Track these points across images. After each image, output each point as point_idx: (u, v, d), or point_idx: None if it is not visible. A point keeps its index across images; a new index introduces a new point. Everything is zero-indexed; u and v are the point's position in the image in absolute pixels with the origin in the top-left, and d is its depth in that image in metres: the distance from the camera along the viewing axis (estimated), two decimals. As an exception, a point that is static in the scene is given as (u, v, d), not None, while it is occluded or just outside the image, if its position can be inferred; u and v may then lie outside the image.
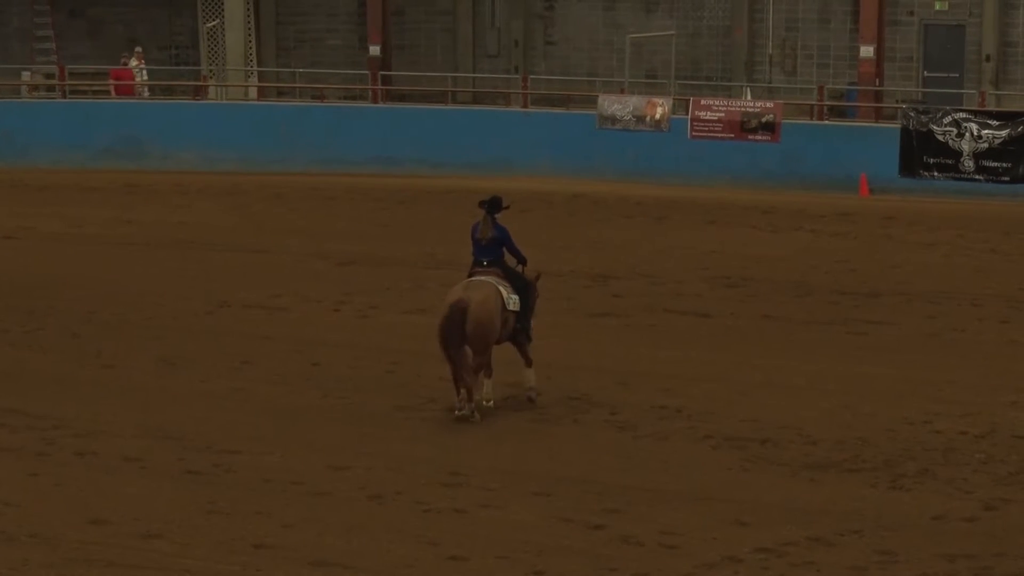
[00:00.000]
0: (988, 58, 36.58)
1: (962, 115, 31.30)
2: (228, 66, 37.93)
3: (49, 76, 39.11)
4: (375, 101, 36.47)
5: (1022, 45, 36.66)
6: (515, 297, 16.15)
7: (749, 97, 34.94)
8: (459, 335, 15.54)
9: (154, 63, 39.49)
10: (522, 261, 16.56)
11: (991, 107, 33.19)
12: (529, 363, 16.47)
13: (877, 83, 35.65)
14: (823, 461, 14.30)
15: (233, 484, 13.67)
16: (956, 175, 31.10)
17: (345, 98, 37.78)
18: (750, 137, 32.60)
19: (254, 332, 19.60)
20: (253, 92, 38.19)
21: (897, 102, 34.68)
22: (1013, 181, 30.78)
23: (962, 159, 31.03)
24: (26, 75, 39.46)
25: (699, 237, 26.81)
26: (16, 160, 34.32)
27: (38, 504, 13.12)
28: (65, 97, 36.58)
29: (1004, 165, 30.85)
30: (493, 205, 16.51)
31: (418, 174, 33.42)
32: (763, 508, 12.99)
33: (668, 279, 22.94)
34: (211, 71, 38.09)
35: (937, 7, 37.35)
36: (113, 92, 36.24)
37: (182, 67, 40.22)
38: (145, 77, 36.74)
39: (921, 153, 31.32)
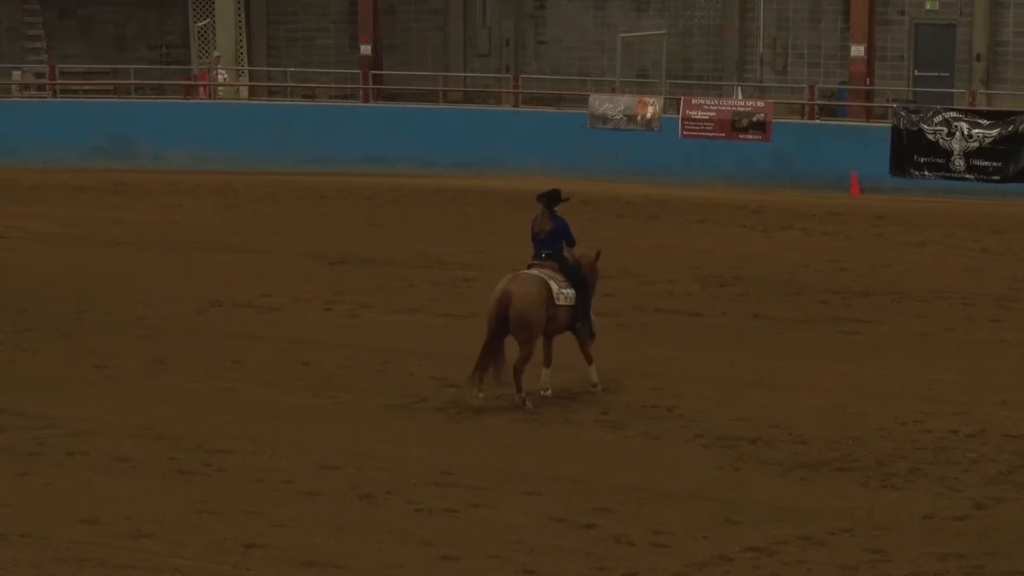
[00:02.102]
0: (978, 57, 36.63)
1: (952, 114, 31.36)
2: (219, 65, 37.91)
3: (39, 75, 39.07)
4: (366, 100, 36.46)
5: (1012, 45, 36.72)
6: (569, 292, 16.27)
7: (740, 96, 34.98)
8: (501, 326, 15.78)
9: (144, 62, 39.46)
10: (572, 245, 16.64)
11: (981, 106, 33.25)
12: (589, 360, 16.64)
13: (868, 82, 35.70)
14: (814, 460, 14.30)
15: (224, 484, 13.66)
16: (946, 174, 31.16)
17: (336, 97, 37.79)
18: (741, 136, 32.64)
19: (245, 332, 19.58)
20: (244, 91, 38.19)
21: (888, 101, 34.73)
22: (1003, 180, 30.84)
23: (952, 158, 31.08)
24: (16, 74, 39.43)
25: (690, 236, 26.83)
26: (6, 159, 34.30)
27: (29, 504, 13.10)
28: (56, 96, 36.55)
29: (994, 164, 30.90)
30: (552, 198, 16.63)
31: (409, 173, 33.42)
32: (754, 507, 12.99)
33: (659, 278, 22.95)
34: (202, 70, 38.07)
35: (928, 7, 37.40)
36: (202, 93, 36.15)
37: (173, 66, 40.19)
38: (220, 79, 36.62)
39: (912, 152, 31.37)
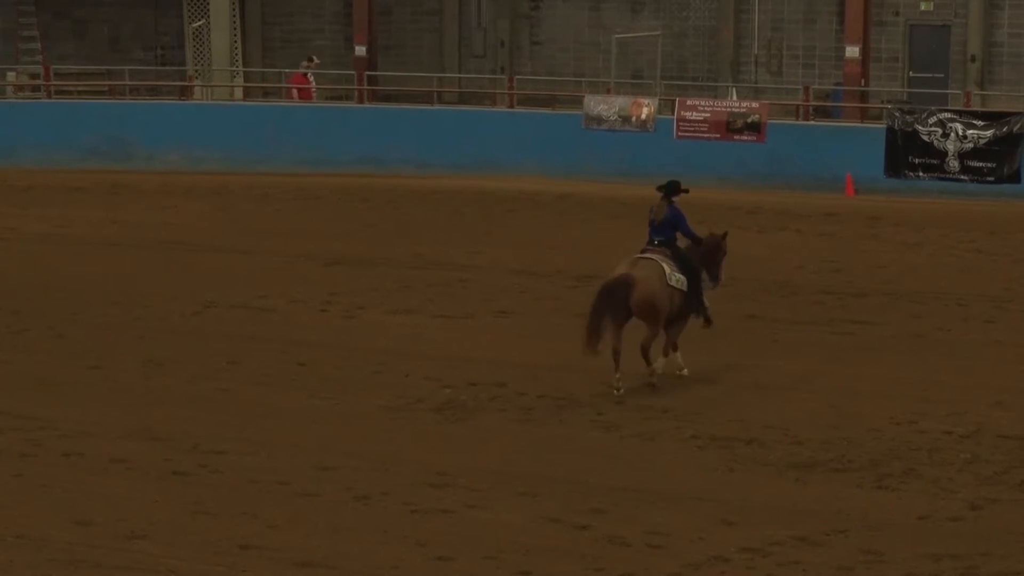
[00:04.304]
0: (973, 58, 36.65)
1: (947, 115, 31.36)
2: (214, 66, 37.89)
3: (34, 76, 39.04)
4: (361, 101, 36.44)
5: (1007, 45, 36.75)
6: (679, 276, 16.92)
7: (735, 97, 34.97)
8: (623, 309, 16.43)
9: (139, 63, 39.45)
10: (696, 241, 17.35)
11: (976, 107, 33.26)
12: (675, 348, 17.24)
13: (863, 83, 35.71)
14: (809, 461, 14.32)
15: (219, 485, 13.66)
16: (941, 175, 31.17)
17: (331, 98, 37.76)
18: (736, 137, 32.64)
19: (240, 333, 19.58)
20: (239, 92, 38.16)
21: (882, 102, 34.74)
22: (998, 181, 30.85)
23: (947, 159, 31.09)
24: (11, 75, 39.39)
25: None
26: (1, 160, 34.25)
27: (24, 505, 13.10)
28: (50, 97, 36.52)
29: (989, 165, 30.92)
30: (671, 189, 17.35)
31: (404, 174, 33.40)
32: (749, 508, 13.00)
33: (654, 279, 22.93)
34: (197, 71, 38.05)
35: (922, 7, 37.42)
36: (296, 96, 36.06)
37: (168, 67, 40.17)
38: (313, 83, 36.55)
39: (906, 153, 31.38)
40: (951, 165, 31.05)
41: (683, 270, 17.04)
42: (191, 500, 13.18)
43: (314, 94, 36.29)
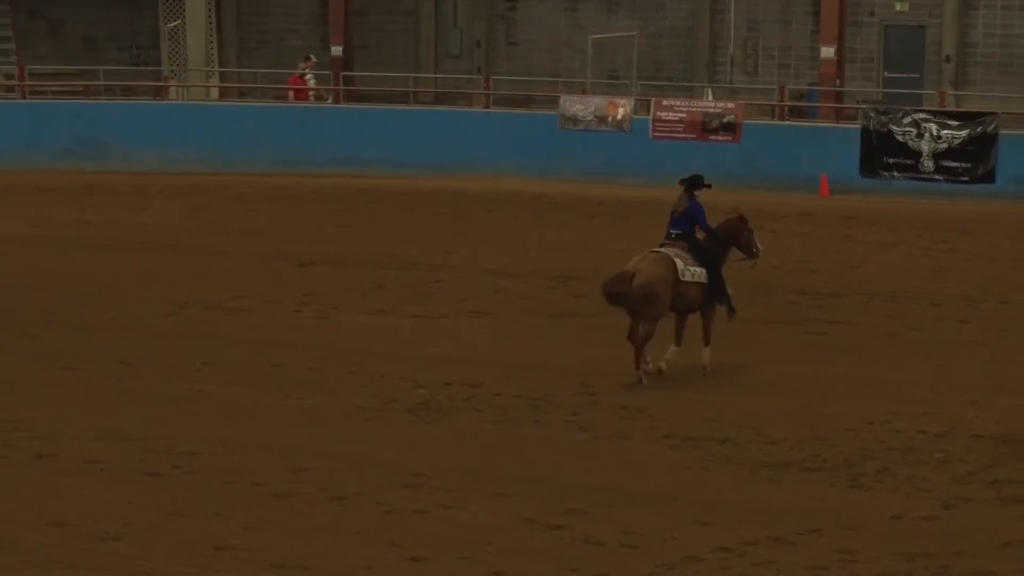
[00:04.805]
0: (948, 59, 36.76)
1: (922, 115, 31.46)
2: (189, 66, 37.80)
3: (9, 77, 38.89)
4: (337, 101, 36.40)
5: (982, 46, 36.86)
6: (697, 269, 17.15)
7: (710, 98, 35.02)
8: (627, 304, 16.89)
9: (114, 63, 39.32)
10: (712, 235, 17.58)
11: (951, 107, 33.37)
12: (707, 342, 17.41)
13: (838, 84, 35.77)
14: (783, 460, 14.34)
15: (193, 486, 13.63)
16: (916, 175, 31.26)
17: (306, 99, 37.65)
18: (711, 137, 32.68)
19: (215, 333, 19.54)
20: (215, 93, 38.07)
21: (858, 102, 34.82)
22: (972, 181, 30.96)
23: (922, 159, 31.18)
24: (-15, 75, 39.26)
25: (661, 237, 26.78)
26: (-25, 161, 34.11)
27: (-4, 507, 13.05)
28: (25, 98, 36.39)
29: (963, 165, 31.02)
30: (693, 182, 17.75)
31: (380, 174, 33.37)
32: (723, 508, 13.02)
33: (630, 279, 22.93)
34: (172, 72, 37.96)
35: (897, 8, 37.52)
36: (292, 97, 35.99)
37: (143, 67, 40.06)
38: (313, 83, 36.45)
39: (881, 153, 31.45)
40: (926, 165, 31.14)
41: (701, 262, 17.27)
42: (165, 501, 13.15)
43: (312, 95, 36.25)
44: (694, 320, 17.53)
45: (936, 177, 31.11)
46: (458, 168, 33.40)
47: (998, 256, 25.16)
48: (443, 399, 16.44)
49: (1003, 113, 31.78)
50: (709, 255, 17.43)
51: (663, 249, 17.31)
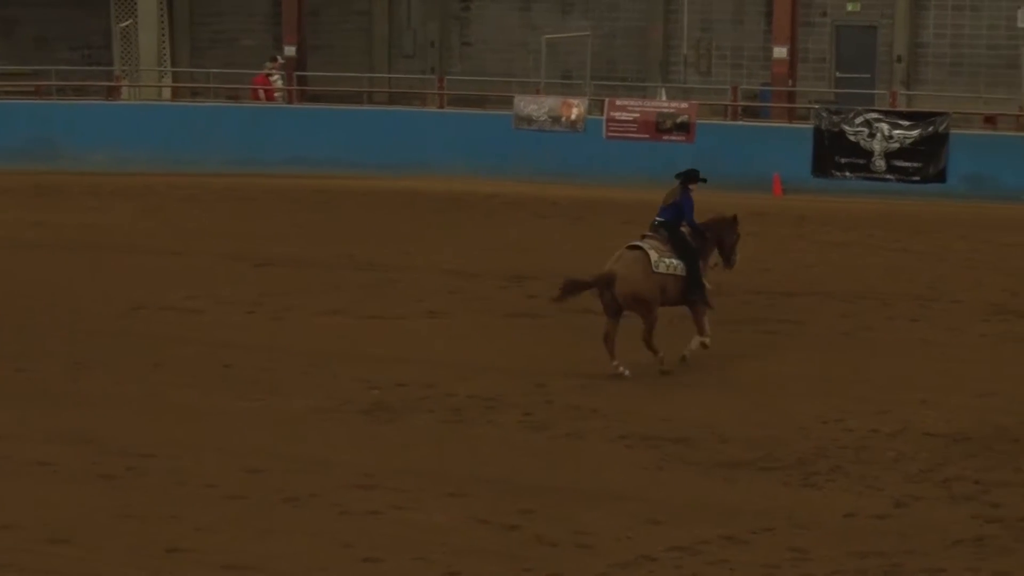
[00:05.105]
0: (899, 59, 36.97)
1: (873, 115, 31.62)
2: (142, 66, 37.63)
3: (-41, 77, 38.62)
4: (291, 102, 36.31)
5: (932, 46, 37.08)
6: (672, 261, 17.38)
7: (664, 98, 35.10)
8: (613, 304, 17.21)
9: (66, 63, 39.10)
10: (697, 231, 17.80)
11: (902, 107, 33.55)
12: (701, 332, 17.65)
13: (790, 84, 35.92)
14: (737, 460, 14.40)
15: (146, 488, 13.58)
16: (867, 175, 31.43)
17: (260, 99, 37.55)
18: (665, 137, 32.76)
19: (168, 335, 19.46)
20: (167, 93, 37.92)
21: (810, 102, 34.97)
22: (923, 181, 31.14)
23: (873, 159, 31.35)
24: (-65, 76, 38.96)
25: (615, 238, 26.84)
26: (-74, 162, 33.87)
27: (-53, 510, 12.97)
28: (-25, 98, 36.17)
29: (915, 165, 31.20)
30: (688, 176, 18.18)
31: (335, 175, 33.31)
32: (677, 507, 13.06)
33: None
34: (124, 71, 37.78)
35: (849, 8, 37.70)
36: (261, 97, 35.80)
37: (95, 67, 39.84)
38: (280, 84, 36.28)
39: (833, 153, 31.61)
40: (877, 165, 31.31)
41: (679, 254, 17.46)
42: (118, 503, 13.09)
43: (278, 96, 36.14)
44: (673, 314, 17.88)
45: (888, 177, 31.28)
46: (412, 168, 33.37)
47: (949, 255, 25.32)
48: (397, 400, 16.43)
49: (954, 113, 31.98)
50: (689, 247, 17.63)
51: (639, 243, 17.54)
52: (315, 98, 37.00)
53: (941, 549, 12.10)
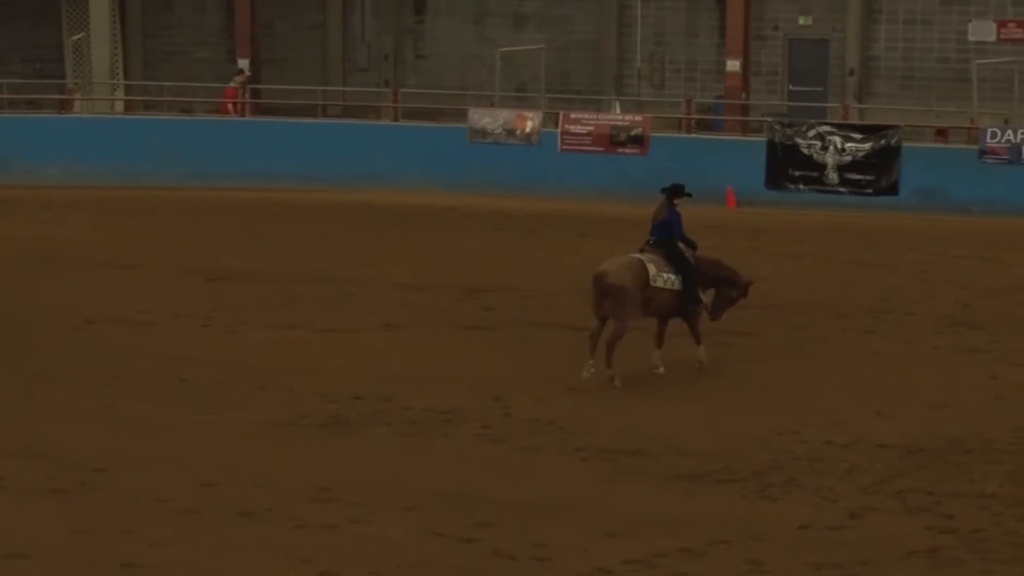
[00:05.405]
0: (851, 72, 37.19)
1: (826, 128, 31.81)
2: (94, 79, 37.47)
3: (-90, 90, 38.37)
4: (244, 115, 36.23)
5: (884, 59, 37.32)
6: (669, 276, 17.67)
7: (618, 111, 35.22)
8: (598, 304, 17.41)
9: (17, 76, 38.90)
10: (690, 245, 18.12)
11: (854, 120, 33.76)
12: (698, 341, 18.10)
13: (744, 97, 36.10)
14: (693, 472, 14.43)
15: (101, 503, 13.50)
16: (820, 188, 31.61)
17: (214, 111, 37.48)
18: (619, 150, 32.87)
19: (122, 348, 19.37)
20: (120, 106, 37.78)
21: (763, 116, 35.15)
22: (876, 193, 31.34)
23: (826, 172, 31.53)
24: None
25: (570, 250, 26.94)
26: None
27: (-101, 526, 12.87)
28: (-75, 111, 35.95)
29: (867, 178, 31.40)
30: (673, 191, 18.46)
31: (289, 188, 33.26)
32: (634, 519, 13.08)
33: (540, 292, 23.04)
34: (77, 84, 37.61)
35: (801, 22, 37.90)
36: (229, 109, 35.70)
37: (47, 80, 39.64)
38: (247, 97, 36.22)
39: (787, 166, 31.78)
40: (830, 178, 31.49)
41: (677, 270, 17.77)
42: (72, 518, 13.01)
43: (245, 109, 36.10)
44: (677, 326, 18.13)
45: (840, 189, 31.47)
46: (367, 181, 33.35)
47: (901, 267, 25.48)
48: (353, 413, 16.40)
49: (906, 126, 32.22)
50: (686, 263, 17.93)
51: (639, 255, 17.82)
52: (269, 111, 36.93)
53: (895, 560, 12.16)
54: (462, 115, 34.51)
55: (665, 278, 17.74)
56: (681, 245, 18.12)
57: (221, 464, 14.60)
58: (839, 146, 31.38)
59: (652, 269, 17.67)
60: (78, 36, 38.08)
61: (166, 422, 16.13)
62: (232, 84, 36.46)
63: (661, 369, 18.02)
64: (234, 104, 35.93)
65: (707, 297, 18.34)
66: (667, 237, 18.06)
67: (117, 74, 38.47)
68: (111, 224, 29.32)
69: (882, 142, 31.29)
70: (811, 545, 12.50)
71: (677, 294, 17.85)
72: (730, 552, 12.33)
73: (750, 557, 12.19)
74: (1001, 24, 36.10)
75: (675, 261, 17.90)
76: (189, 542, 12.50)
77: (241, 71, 37.00)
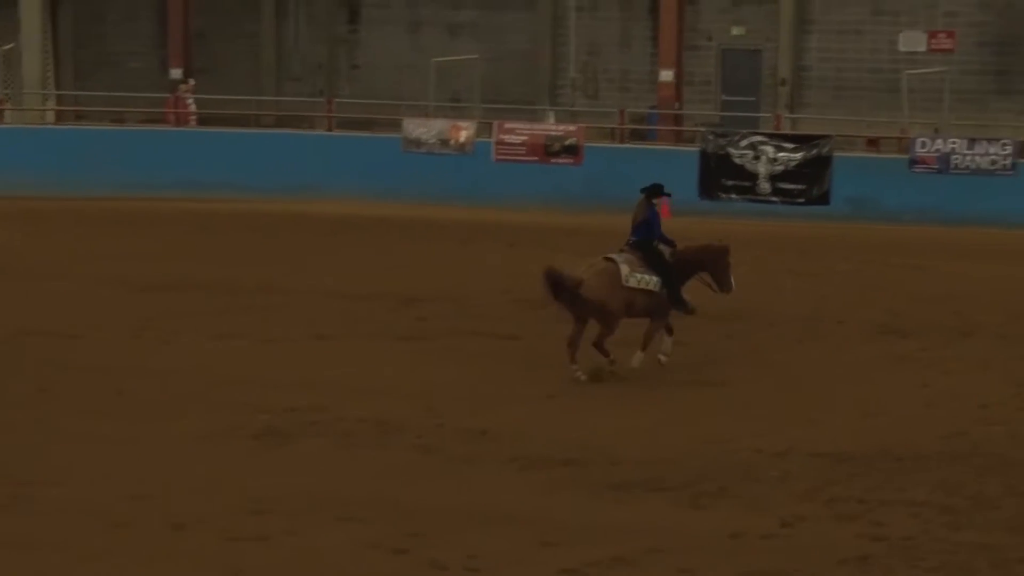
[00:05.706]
0: (783, 82, 37.45)
1: (758, 138, 32.02)
2: (25, 89, 37.22)
3: None
4: (177, 125, 36.06)
5: (816, 69, 37.61)
6: (643, 276, 17.93)
7: (552, 121, 35.33)
8: (577, 310, 17.80)
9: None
10: (668, 243, 18.37)
11: (786, 130, 34.01)
12: (644, 346, 18.32)
13: (677, 107, 36.29)
14: (626, 481, 14.46)
15: (30, 516, 13.38)
16: (753, 197, 31.81)
17: (146, 121, 37.31)
18: (553, 160, 32.96)
19: (52, 360, 19.20)
20: (51, 116, 37.54)
21: (696, 125, 35.34)
22: (808, 203, 31.57)
23: (758, 181, 31.73)
24: None
25: (504, 260, 26.97)
26: None
27: None
28: None
29: (799, 187, 31.63)
30: (652, 191, 18.71)
31: (222, 198, 33.13)
32: (567, 529, 13.09)
33: (474, 302, 23.05)
34: (7, 94, 37.34)
35: (734, 32, 38.15)
36: (172, 120, 35.53)
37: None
38: (194, 107, 36.05)
39: (719, 176, 31.96)
40: (762, 187, 31.69)
41: (654, 270, 18.02)
42: (1, 533, 12.89)
43: (193, 119, 35.99)
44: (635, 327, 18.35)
45: (772, 199, 31.68)
46: (301, 191, 33.28)
47: (833, 276, 25.65)
48: (287, 424, 16.33)
49: (837, 136, 32.48)
50: (663, 264, 18.12)
51: (614, 256, 18.06)
52: (202, 121, 36.79)
53: (826, 568, 12.23)
54: (396, 125, 34.50)
55: (639, 278, 17.97)
56: (661, 246, 18.42)
57: (153, 476, 14.50)
58: (771, 156, 31.59)
59: (625, 269, 17.92)
60: (9, 46, 37.81)
61: (98, 434, 16.00)
62: (179, 93, 36.32)
63: (615, 367, 18.18)
64: (177, 115, 35.78)
65: (706, 280, 18.70)
66: (647, 238, 18.32)
67: (48, 84, 38.23)
68: (42, 235, 29.09)
69: (814, 152, 31.53)
70: (743, 553, 12.55)
71: (652, 295, 18.10)
72: (662, 560, 12.36)
73: (682, 566, 12.24)
74: (931, 35, 36.47)
75: (652, 261, 18.12)
76: (119, 556, 12.41)
77: (186, 80, 36.88)
